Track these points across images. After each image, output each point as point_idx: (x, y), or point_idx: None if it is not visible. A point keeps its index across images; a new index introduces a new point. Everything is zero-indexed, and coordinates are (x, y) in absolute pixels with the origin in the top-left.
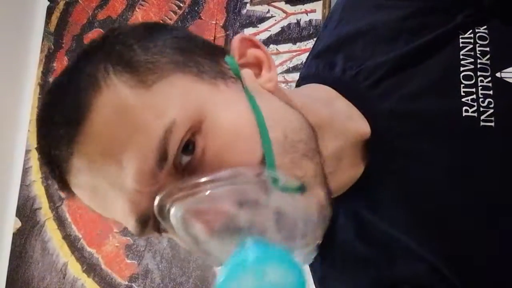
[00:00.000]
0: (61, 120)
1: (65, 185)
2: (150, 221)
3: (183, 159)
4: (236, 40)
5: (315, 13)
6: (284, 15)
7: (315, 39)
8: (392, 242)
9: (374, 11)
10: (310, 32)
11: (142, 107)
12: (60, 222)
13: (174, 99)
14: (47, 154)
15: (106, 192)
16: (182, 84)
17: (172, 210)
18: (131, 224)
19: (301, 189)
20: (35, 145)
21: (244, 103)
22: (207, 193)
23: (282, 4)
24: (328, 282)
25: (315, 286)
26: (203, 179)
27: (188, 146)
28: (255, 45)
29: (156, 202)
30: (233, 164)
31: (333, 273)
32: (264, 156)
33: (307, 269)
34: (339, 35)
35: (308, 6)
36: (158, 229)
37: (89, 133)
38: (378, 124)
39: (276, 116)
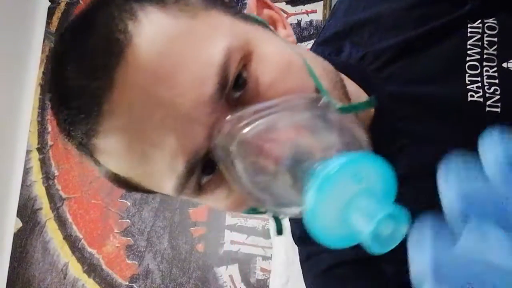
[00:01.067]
0: (96, 53)
1: (89, 132)
2: (198, 168)
3: (234, 93)
4: (252, 0)
5: (316, 13)
6: (284, 15)
7: (315, 39)
8: None
9: (382, 0)
10: (311, 33)
11: (192, 35)
12: (61, 222)
13: (222, 29)
14: (77, 89)
15: (150, 131)
16: (224, 17)
17: (235, 143)
18: (178, 169)
19: (359, 107)
20: (36, 146)
21: (283, 42)
22: (272, 118)
23: (282, 5)
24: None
25: (295, 242)
26: (264, 104)
27: (238, 80)
28: (268, 6)
29: (217, 138)
30: (289, 93)
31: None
32: (316, 85)
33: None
34: (346, 23)
35: (309, 7)
36: (199, 184)
37: (133, 63)
38: (381, 105)
39: (311, 58)
